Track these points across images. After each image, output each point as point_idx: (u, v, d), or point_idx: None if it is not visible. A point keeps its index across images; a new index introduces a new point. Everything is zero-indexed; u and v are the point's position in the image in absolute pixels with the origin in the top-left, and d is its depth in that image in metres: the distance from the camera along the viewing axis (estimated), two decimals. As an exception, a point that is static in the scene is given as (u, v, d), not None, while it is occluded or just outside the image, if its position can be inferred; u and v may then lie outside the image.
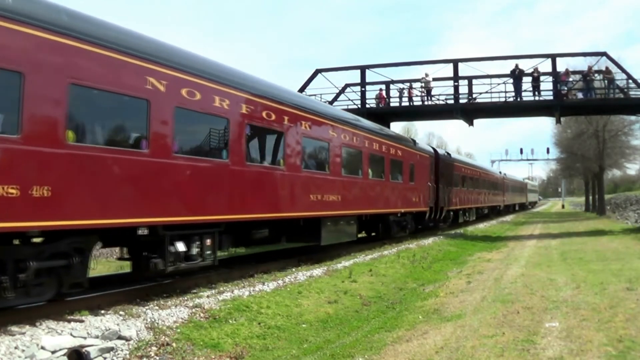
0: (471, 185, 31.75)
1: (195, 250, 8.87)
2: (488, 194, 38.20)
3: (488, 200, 38.22)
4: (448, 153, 28.74)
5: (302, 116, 12.22)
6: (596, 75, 24.04)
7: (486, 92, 24.39)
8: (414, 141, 22.32)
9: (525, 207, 68.18)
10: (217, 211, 9.34)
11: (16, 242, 6.78)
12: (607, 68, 23.36)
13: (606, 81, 23.48)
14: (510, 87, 23.83)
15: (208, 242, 9.15)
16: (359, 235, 16.94)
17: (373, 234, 19.07)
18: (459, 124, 78.52)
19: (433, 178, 22.95)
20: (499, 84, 24.09)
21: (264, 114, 10.72)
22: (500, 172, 48.60)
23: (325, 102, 24.36)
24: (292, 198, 11.75)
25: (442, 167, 24.30)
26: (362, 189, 15.61)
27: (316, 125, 12.94)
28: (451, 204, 25.87)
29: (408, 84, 25.64)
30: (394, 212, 18.48)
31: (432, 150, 24.31)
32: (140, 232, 7.85)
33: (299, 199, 12.02)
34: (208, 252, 9.15)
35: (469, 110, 24.96)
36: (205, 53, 10.02)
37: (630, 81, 22.88)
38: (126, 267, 12.14)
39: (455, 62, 24.73)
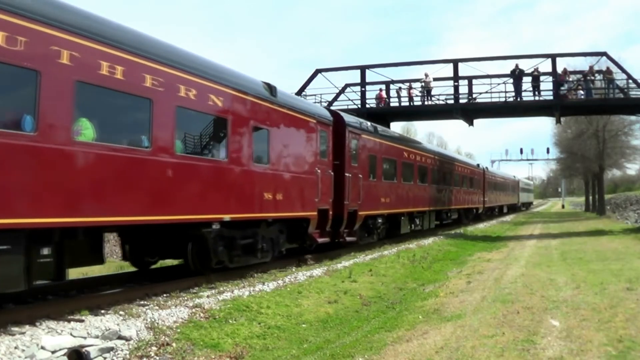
0: (423, 179, 22.59)
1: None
2: (457, 193, 28.77)
3: (456, 200, 28.55)
4: (374, 126, 17.77)
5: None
6: (596, 75, 24.05)
7: (486, 92, 24.43)
8: (270, 87, 11.43)
9: (516, 208, 58.63)
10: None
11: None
12: (607, 68, 23.37)
13: (606, 81, 23.48)
14: (510, 87, 23.88)
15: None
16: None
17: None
18: (459, 124, 78.48)
19: (330, 161, 14.03)
20: (499, 84, 24.13)
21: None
22: (479, 165, 37.86)
23: (325, 102, 24.40)
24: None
25: (353, 145, 15.40)
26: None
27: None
28: (375, 205, 16.94)
29: (408, 84, 25.63)
30: (213, 219, 9.61)
31: (327, 114, 14.43)
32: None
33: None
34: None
35: (469, 110, 24.96)
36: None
37: (630, 81, 22.89)
38: (126, 267, 12.16)
39: (455, 62, 24.73)
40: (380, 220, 17.70)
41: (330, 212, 13.74)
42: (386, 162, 18.37)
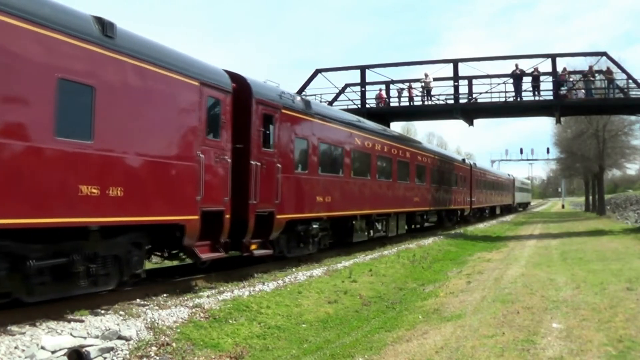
0: (387, 174, 18.25)
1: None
2: (436, 192, 24.10)
3: (434, 200, 23.89)
4: (306, 101, 13.61)
5: None
6: (596, 75, 24.05)
7: (486, 92, 24.42)
8: (104, 24, 7.58)
9: (511, 210, 54.30)
10: None
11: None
12: (608, 68, 23.36)
13: (606, 81, 23.48)
14: (510, 87, 23.87)
15: None
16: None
17: None
18: (459, 124, 78.53)
19: (227, 143, 10.04)
20: (499, 84, 24.12)
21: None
22: (464, 160, 33.32)
23: (325, 102, 24.40)
24: None
25: (267, 123, 11.39)
26: None
27: None
28: (307, 205, 12.97)
29: (408, 84, 25.63)
30: None
31: (223, 77, 10.24)
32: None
33: None
34: None
35: (469, 110, 24.96)
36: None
37: (630, 81, 22.89)
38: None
39: (455, 62, 24.73)
40: (316, 226, 13.31)
41: (227, 216, 9.77)
42: (326, 149, 14.14)
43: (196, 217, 9.00)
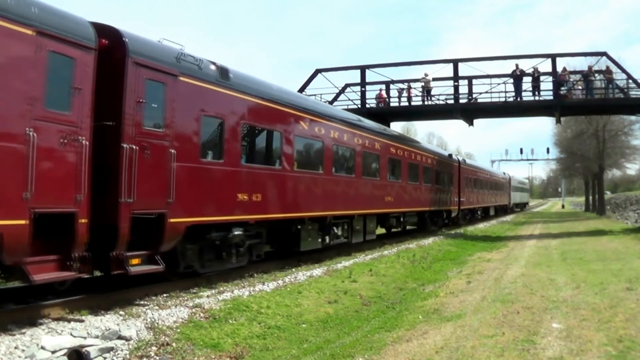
0: (348, 167, 15.45)
1: None
2: (414, 190, 21.13)
3: (412, 200, 20.89)
4: (223, 69, 10.14)
5: None
6: (596, 75, 24.05)
7: (486, 92, 24.42)
8: None
9: (507, 211, 50.45)
10: None
11: None
12: (607, 68, 23.35)
13: (606, 81, 23.47)
14: (510, 87, 23.88)
15: None
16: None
17: None
18: (459, 124, 78.47)
19: (84, 117, 7.34)
20: (499, 84, 24.11)
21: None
22: (451, 156, 29.90)
23: (325, 102, 24.39)
24: None
25: (151, 92, 8.36)
26: None
27: None
28: (223, 205, 10.03)
29: (407, 84, 25.63)
30: None
31: (79, 24, 7.48)
32: None
33: None
34: None
35: (469, 110, 24.95)
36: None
37: (630, 81, 22.89)
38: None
39: (455, 62, 24.73)
40: (239, 233, 10.31)
41: (83, 221, 7.18)
42: (255, 134, 11.25)
43: (22, 221, 6.38)
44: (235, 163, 10.30)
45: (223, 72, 10.04)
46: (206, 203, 9.49)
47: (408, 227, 22.81)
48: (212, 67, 9.81)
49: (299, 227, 12.71)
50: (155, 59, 8.46)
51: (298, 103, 12.97)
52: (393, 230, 21.67)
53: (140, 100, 8.06)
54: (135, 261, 7.97)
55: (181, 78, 8.88)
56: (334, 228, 14.52)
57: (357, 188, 15.62)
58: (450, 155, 29.66)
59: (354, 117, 17.20)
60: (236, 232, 10.30)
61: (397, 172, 19.33)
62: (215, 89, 9.76)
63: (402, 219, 20.26)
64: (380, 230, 19.95)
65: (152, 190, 8.22)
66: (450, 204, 27.12)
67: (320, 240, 13.76)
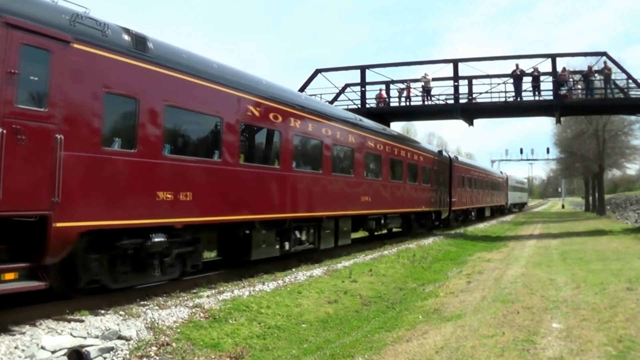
0: (314, 162, 13.50)
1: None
2: (398, 189, 19.08)
3: (395, 199, 18.79)
4: (140, 37, 8.21)
5: None
6: (596, 75, 24.05)
7: (486, 92, 24.41)
8: None
9: (504, 211, 48.43)
10: None
11: None
12: (605, 64, 23.26)
13: (604, 79, 23.41)
14: (510, 87, 23.87)
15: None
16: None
17: None
18: (459, 124, 78.43)
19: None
20: (499, 84, 24.11)
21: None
22: (441, 153, 27.72)
23: (325, 102, 24.38)
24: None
25: (14, 56, 6.36)
26: None
27: None
28: (135, 206, 8.00)
29: (406, 84, 25.62)
30: None
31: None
32: None
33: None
34: None
35: (469, 110, 24.95)
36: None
37: (630, 81, 22.89)
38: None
39: (455, 62, 24.73)
40: (160, 240, 8.45)
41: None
42: (183, 119, 9.12)
43: None
44: (155, 154, 8.29)
45: (139, 40, 8.14)
46: (111, 203, 7.55)
47: (394, 230, 21.38)
48: (124, 34, 7.95)
49: (251, 231, 10.86)
50: (37, 20, 6.68)
51: (245, 84, 10.62)
52: (376, 233, 20.03)
53: (12, 70, 6.32)
54: (8, 276, 6.30)
55: (75, 45, 7.09)
56: (296, 232, 12.67)
57: (325, 186, 13.65)
58: (440, 152, 27.46)
59: (325, 105, 15.53)
60: (156, 239, 8.34)
61: (377, 169, 17.30)
62: (127, 60, 7.86)
63: (382, 221, 18.11)
64: (363, 234, 19.03)
65: (29, 186, 6.49)
66: (440, 205, 25.03)
67: (278, 247, 11.88)
